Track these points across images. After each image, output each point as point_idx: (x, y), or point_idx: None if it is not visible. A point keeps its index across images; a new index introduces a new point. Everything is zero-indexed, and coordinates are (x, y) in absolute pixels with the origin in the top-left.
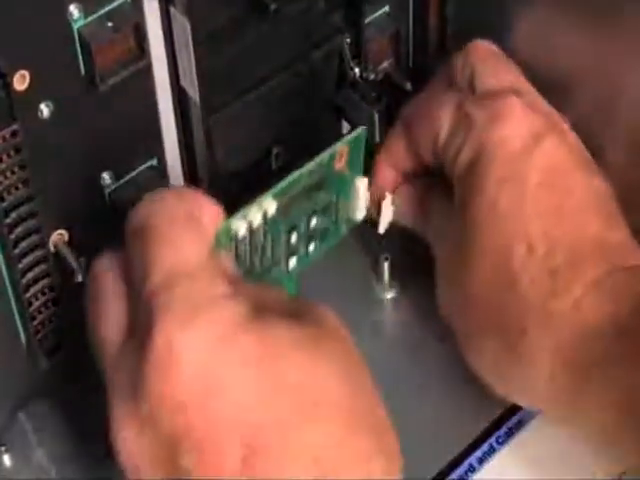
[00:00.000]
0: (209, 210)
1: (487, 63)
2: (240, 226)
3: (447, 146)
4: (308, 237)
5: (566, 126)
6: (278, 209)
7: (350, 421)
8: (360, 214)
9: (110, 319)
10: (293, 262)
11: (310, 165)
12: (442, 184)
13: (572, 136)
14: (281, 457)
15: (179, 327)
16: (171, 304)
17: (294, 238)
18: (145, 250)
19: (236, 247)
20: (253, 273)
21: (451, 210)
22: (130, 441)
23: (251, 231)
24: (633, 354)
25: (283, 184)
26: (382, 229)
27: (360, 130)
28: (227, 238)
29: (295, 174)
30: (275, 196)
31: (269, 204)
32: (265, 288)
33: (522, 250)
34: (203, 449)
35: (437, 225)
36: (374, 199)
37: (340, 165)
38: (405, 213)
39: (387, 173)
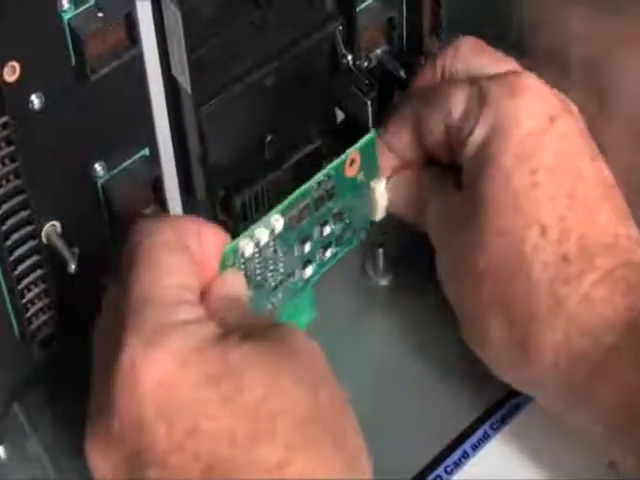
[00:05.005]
0: (210, 236)
1: (483, 55)
2: (246, 246)
3: (460, 123)
4: (324, 244)
5: (576, 109)
6: (288, 222)
7: (312, 432)
8: (378, 215)
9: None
10: (309, 270)
11: (317, 177)
12: (439, 168)
13: (582, 121)
14: (238, 469)
15: (143, 348)
16: (139, 326)
17: (307, 248)
18: (130, 271)
19: (245, 266)
20: (264, 288)
21: (452, 193)
22: (98, 456)
23: (259, 249)
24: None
25: (289, 199)
26: (379, 216)
27: (370, 134)
28: (234, 259)
29: (302, 188)
30: (282, 212)
31: (276, 221)
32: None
33: (535, 232)
34: (165, 463)
35: (436, 209)
36: None
37: (352, 172)
38: (400, 199)
39: (387, 158)
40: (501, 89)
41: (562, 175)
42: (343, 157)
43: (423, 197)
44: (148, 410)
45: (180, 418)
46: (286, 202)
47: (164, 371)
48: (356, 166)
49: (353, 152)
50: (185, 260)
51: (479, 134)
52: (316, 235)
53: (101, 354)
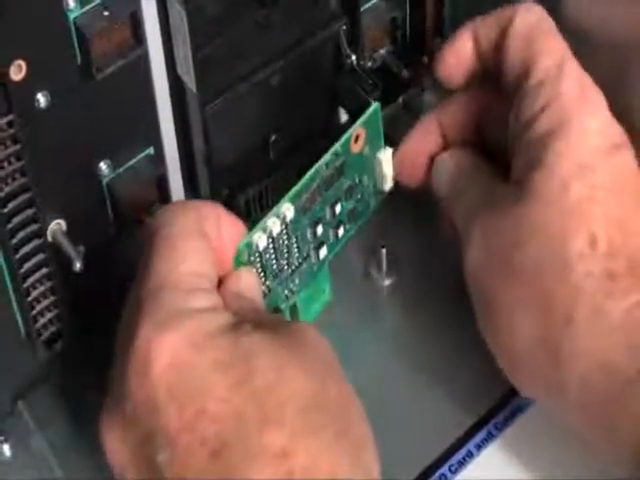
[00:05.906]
0: (229, 226)
1: (542, 37)
2: (260, 239)
3: (530, 94)
4: (336, 223)
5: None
6: (299, 208)
7: (316, 419)
8: (387, 185)
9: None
10: (323, 251)
11: (325, 158)
12: (480, 156)
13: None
14: (244, 454)
15: (157, 331)
16: (154, 311)
17: (320, 230)
18: (148, 256)
19: (260, 259)
20: (281, 276)
21: (493, 180)
22: (115, 441)
23: (272, 239)
24: None
25: (298, 186)
26: (388, 186)
27: (373, 106)
28: (249, 254)
29: (310, 172)
30: (292, 199)
31: (287, 209)
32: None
33: (584, 240)
34: (175, 445)
35: (473, 196)
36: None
37: (358, 147)
38: (438, 182)
39: (429, 132)
40: (576, 92)
41: (619, 200)
42: (349, 133)
43: (459, 184)
44: (160, 391)
45: (190, 400)
46: (295, 189)
47: (176, 354)
48: (361, 141)
49: (358, 128)
50: (203, 247)
51: (543, 126)
52: (328, 216)
53: (120, 344)
